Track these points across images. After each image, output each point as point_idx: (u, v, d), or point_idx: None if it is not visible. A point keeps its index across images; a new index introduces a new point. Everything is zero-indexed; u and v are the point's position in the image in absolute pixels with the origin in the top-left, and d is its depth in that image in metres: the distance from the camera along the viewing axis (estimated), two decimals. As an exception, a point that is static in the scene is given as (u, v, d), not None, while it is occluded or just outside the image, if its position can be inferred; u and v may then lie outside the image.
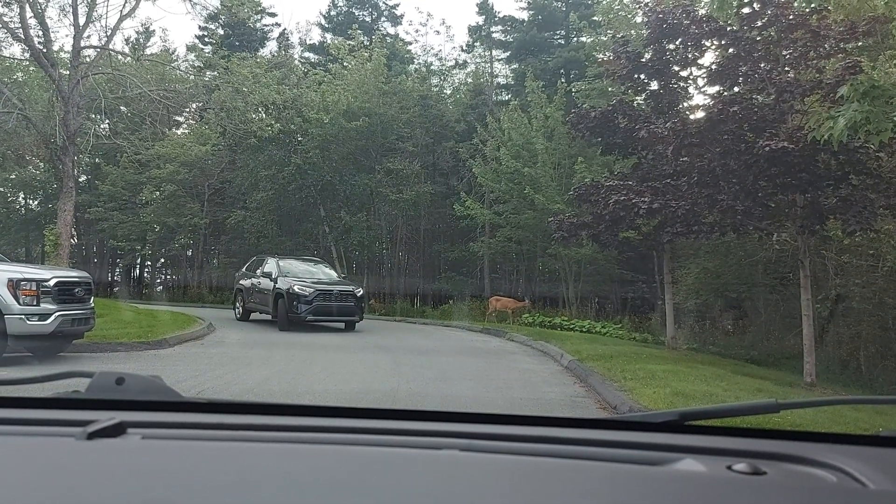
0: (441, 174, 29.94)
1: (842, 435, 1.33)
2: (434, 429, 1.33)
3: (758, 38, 12.50)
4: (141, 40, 32.97)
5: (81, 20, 19.80)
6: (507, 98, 32.14)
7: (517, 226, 23.48)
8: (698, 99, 14.70)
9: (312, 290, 16.14)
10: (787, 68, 12.34)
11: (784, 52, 12.31)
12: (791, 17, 12.00)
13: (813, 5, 11.97)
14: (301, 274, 17.50)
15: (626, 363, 10.43)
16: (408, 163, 27.40)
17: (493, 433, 1.31)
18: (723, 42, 13.18)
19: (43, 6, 19.45)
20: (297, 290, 16.08)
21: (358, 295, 16.75)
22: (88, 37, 20.94)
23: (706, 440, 1.28)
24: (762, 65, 12.39)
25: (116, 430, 1.18)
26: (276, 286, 16.75)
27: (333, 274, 18.73)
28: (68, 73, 19.76)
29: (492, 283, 27.66)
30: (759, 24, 12.36)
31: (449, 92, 34.13)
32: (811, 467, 1.12)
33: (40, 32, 19.35)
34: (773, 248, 15.98)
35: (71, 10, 19.74)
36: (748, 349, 17.38)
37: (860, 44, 12.64)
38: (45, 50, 19.23)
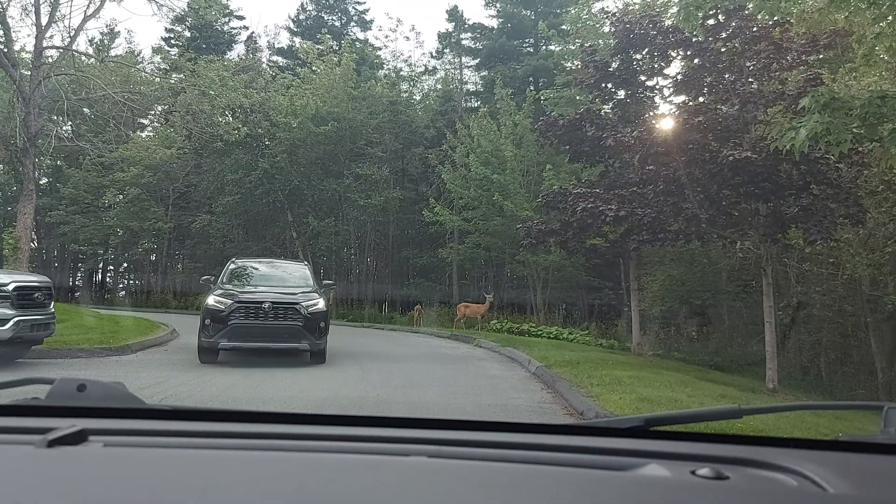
0: (410, 180, 29.95)
1: (802, 440, 1.35)
2: (402, 435, 1.32)
3: (722, 50, 12.73)
4: (105, 41, 32.53)
5: (44, 20, 19.45)
6: (476, 105, 32.29)
7: (486, 232, 23.58)
8: (664, 108, 14.88)
9: (230, 302, 11.03)
10: (750, 79, 12.57)
11: (748, 64, 12.54)
12: (755, 29, 12.24)
13: (776, 18, 12.21)
14: (253, 280, 12.90)
15: (593, 369, 10.50)
16: (377, 168, 27.36)
17: (461, 439, 1.31)
18: (688, 53, 13.41)
19: (4, 5, 19.07)
20: (210, 303, 11.14)
21: (308, 311, 11.24)
22: (51, 37, 20.60)
23: (671, 445, 1.29)
24: (726, 76, 12.61)
25: (78, 438, 1.15)
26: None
27: (307, 281, 13.03)
28: (30, 73, 19.39)
29: (460, 289, 27.71)
30: (724, 35, 12.59)
31: (418, 98, 34.20)
32: (773, 472, 1.14)
33: (1, 32, 18.96)
34: (736, 256, 16.25)
35: (33, 10, 19.38)
36: (712, 355, 17.62)
37: (821, 56, 12.95)
38: (5, 50, 18.84)
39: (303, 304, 11.30)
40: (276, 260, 16.42)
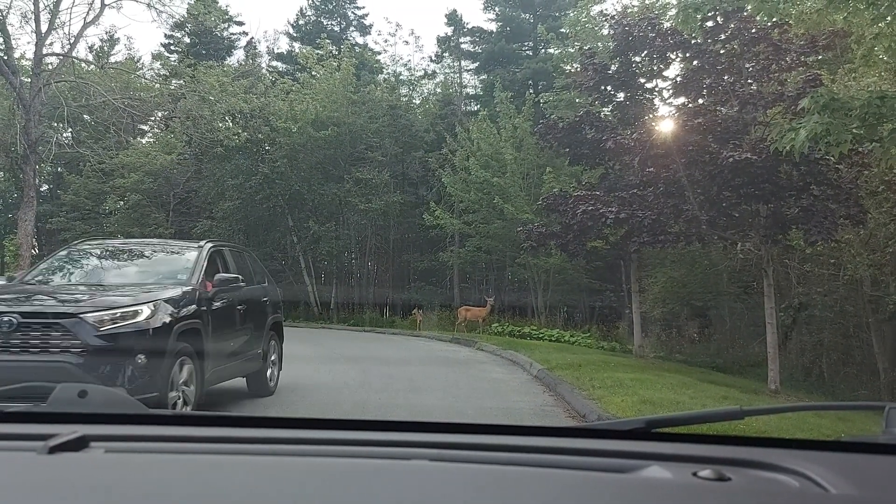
0: (410, 184, 29.94)
1: (805, 441, 1.35)
2: (403, 439, 1.32)
3: (721, 52, 12.75)
4: (105, 48, 32.53)
5: (44, 27, 19.48)
6: (475, 108, 32.28)
7: (486, 235, 23.56)
8: (664, 110, 14.89)
9: None
10: (749, 81, 12.58)
11: (747, 65, 12.56)
12: (754, 30, 12.25)
13: (774, 19, 12.23)
14: (72, 275, 7.56)
15: (595, 372, 10.49)
16: (377, 172, 27.35)
17: (463, 443, 1.31)
18: (687, 55, 13.42)
19: (4, 13, 19.11)
20: None
21: (102, 329, 5.80)
22: (51, 44, 20.58)
23: (672, 447, 1.29)
24: (726, 77, 12.62)
25: (79, 444, 1.15)
26: None
27: (186, 275, 7.15)
28: (30, 80, 19.41)
29: (461, 292, 27.67)
30: (723, 37, 12.60)
31: (418, 102, 34.16)
32: (775, 473, 1.14)
33: (1, 39, 18.99)
34: (737, 258, 16.24)
35: (33, 17, 19.41)
36: (714, 357, 17.60)
37: (820, 57, 12.96)
38: (5, 57, 18.87)
39: (92, 316, 5.85)
40: (149, 241, 10.29)
